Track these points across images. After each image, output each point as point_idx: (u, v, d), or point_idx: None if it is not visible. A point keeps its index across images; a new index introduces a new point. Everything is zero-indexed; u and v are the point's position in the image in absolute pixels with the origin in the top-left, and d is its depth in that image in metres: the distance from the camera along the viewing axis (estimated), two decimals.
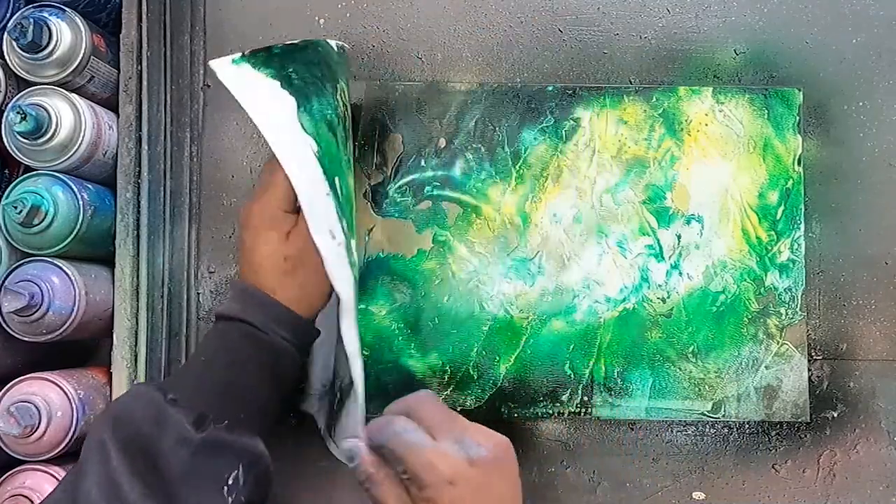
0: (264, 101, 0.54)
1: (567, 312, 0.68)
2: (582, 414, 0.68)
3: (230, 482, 0.49)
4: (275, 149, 0.53)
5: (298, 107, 0.55)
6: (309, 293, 0.56)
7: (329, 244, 0.54)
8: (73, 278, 0.62)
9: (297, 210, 0.56)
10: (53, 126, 0.61)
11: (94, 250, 0.66)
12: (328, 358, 0.64)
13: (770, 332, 0.68)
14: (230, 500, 0.49)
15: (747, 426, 0.68)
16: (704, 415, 0.68)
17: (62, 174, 0.62)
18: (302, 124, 0.54)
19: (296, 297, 0.55)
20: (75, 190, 0.62)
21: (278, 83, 0.55)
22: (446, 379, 0.67)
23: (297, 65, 0.56)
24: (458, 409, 0.67)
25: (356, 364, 0.56)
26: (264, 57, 0.55)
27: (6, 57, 0.63)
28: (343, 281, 0.54)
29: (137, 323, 0.67)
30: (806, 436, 0.68)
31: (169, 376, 0.54)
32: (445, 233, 0.69)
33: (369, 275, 0.69)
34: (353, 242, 0.57)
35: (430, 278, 0.69)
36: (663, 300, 0.68)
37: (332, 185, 0.55)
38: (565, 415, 0.68)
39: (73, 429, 0.60)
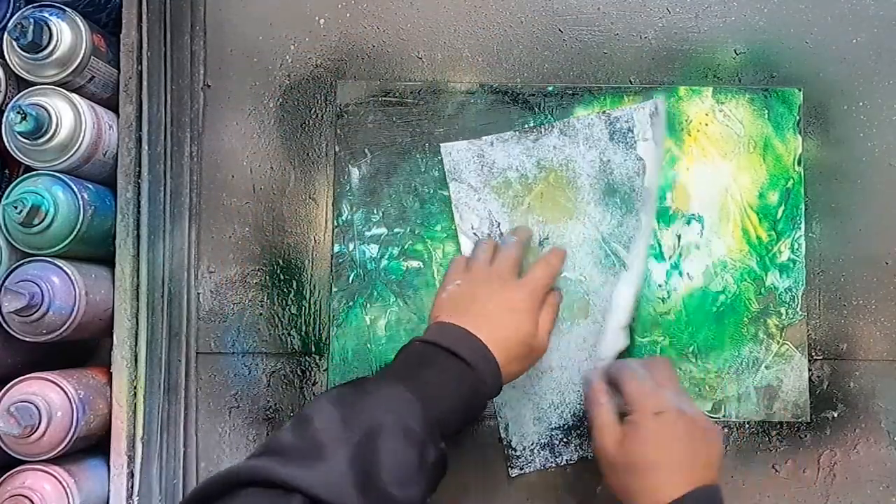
0: None
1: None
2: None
3: (430, 498, 0.53)
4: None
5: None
6: (518, 372, 0.60)
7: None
8: (73, 278, 0.61)
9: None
10: (53, 126, 0.61)
11: (94, 250, 0.66)
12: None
13: (770, 332, 0.68)
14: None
15: (747, 426, 0.68)
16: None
17: (62, 174, 0.62)
18: None
19: (511, 371, 0.59)
20: (75, 190, 0.62)
21: None
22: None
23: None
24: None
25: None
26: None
27: (6, 57, 0.63)
28: (638, 264, 0.68)
29: (137, 323, 0.67)
30: (806, 436, 0.68)
31: (405, 376, 0.55)
32: (444, 233, 0.69)
33: (375, 276, 0.69)
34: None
35: (430, 279, 0.69)
36: (663, 300, 0.68)
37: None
38: None
39: (73, 429, 0.60)
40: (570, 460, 0.67)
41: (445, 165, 0.69)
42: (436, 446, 0.53)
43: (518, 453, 0.67)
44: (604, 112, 0.69)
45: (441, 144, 0.69)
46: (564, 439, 0.67)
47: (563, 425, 0.67)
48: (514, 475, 0.67)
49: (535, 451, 0.67)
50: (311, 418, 0.51)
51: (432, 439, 0.52)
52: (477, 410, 0.58)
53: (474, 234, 0.69)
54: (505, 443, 0.67)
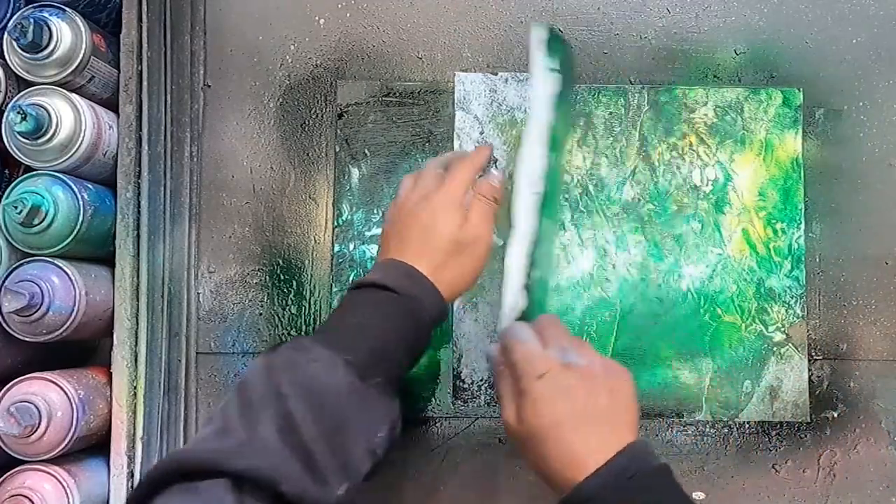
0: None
1: (566, 312, 0.68)
2: None
3: (377, 438, 0.51)
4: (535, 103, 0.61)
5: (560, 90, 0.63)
6: (462, 277, 0.58)
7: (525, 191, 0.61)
8: (73, 278, 0.62)
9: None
10: (53, 126, 0.61)
11: (94, 250, 0.66)
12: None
13: (770, 332, 0.68)
14: (377, 452, 0.51)
15: (747, 426, 0.68)
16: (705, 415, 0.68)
17: (62, 174, 0.62)
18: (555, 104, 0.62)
19: (451, 278, 0.57)
20: (75, 190, 0.62)
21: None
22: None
23: (566, 57, 0.64)
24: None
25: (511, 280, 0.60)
26: (560, 42, 0.64)
27: (6, 57, 0.63)
28: (523, 220, 0.61)
29: (137, 323, 0.67)
30: (806, 436, 0.68)
31: (321, 331, 0.54)
32: None
33: None
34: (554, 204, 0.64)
35: None
36: (662, 300, 0.68)
37: (548, 154, 0.62)
38: None
39: (73, 429, 0.60)
40: None
41: (456, 94, 0.69)
42: (368, 387, 0.50)
43: (465, 386, 0.68)
44: None
45: (456, 72, 0.70)
46: None
47: None
48: (455, 407, 0.67)
49: (483, 388, 0.67)
50: (244, 388, 0.49)
51: (366, 380, 0.50)
52: (424, 337, 0.56)
53: None
54: (454, 373, 0.68)
